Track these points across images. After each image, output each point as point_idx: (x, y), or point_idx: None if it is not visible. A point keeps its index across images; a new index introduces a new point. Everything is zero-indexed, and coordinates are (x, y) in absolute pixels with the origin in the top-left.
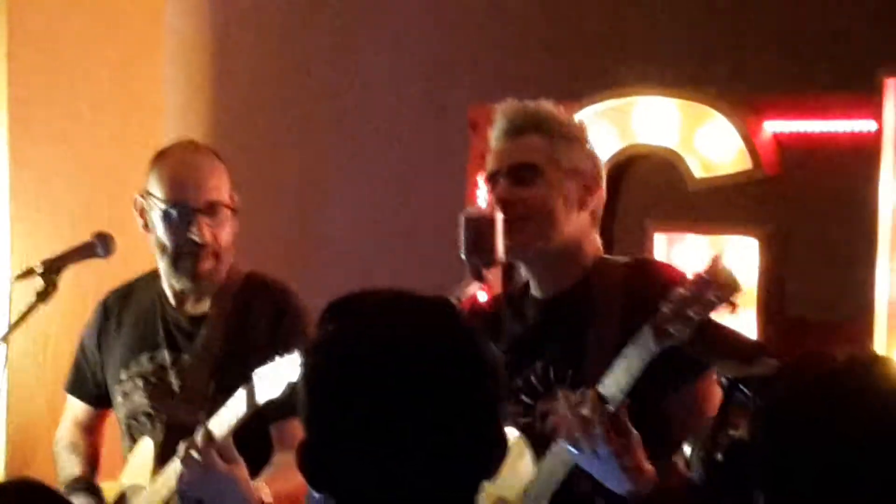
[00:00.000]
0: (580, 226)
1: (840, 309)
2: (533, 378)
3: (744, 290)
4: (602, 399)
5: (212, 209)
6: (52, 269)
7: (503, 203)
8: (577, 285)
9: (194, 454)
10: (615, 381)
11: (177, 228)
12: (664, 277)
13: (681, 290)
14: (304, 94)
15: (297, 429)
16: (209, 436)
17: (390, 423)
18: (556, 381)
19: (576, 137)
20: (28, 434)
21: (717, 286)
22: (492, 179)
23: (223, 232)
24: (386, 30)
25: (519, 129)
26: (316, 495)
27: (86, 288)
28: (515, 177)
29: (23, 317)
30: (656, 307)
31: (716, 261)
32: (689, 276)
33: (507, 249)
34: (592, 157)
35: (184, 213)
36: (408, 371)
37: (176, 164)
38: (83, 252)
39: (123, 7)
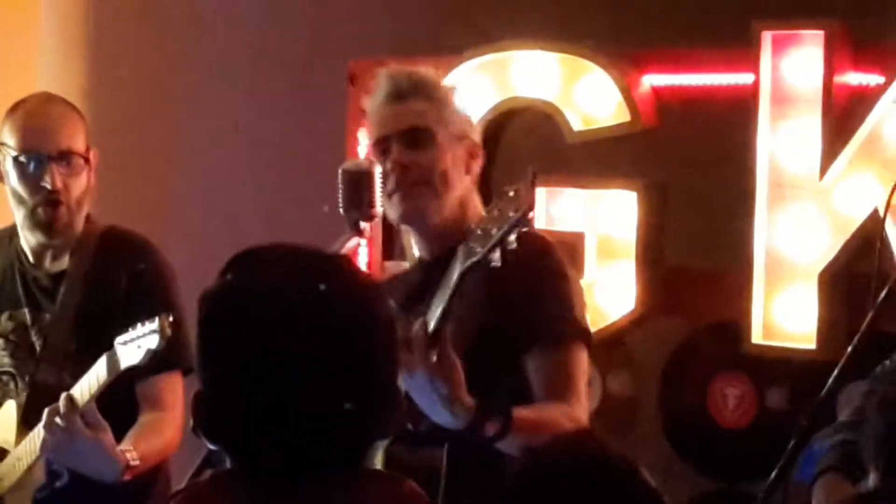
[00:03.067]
0: (466, 189)
1: (718, 260)
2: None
3: (533, 210)
4: (423, 324)
5: (65, 158)
6: None
7: (401, 167)
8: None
9: (58, 421)
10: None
11: (30, 177)
12: (539, 240)
13: (489, 207)
14: (177, 46)
15: (161, 386)
16: (72, 402)
17: (285, 375)
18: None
19: (454, 103)
20: None
21: (518, 203)
22: (381, 144)
23: (77, 182)
24: None
25: (404, 93)
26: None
27: None
28: (408, 141)
29: None
30: (531, 270)
31: (525, 179)
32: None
33: (406, 215)
34: (471, 122)
35: (36, 160)
36: (303, 322)
37: (29, 113)
38: None
39: None
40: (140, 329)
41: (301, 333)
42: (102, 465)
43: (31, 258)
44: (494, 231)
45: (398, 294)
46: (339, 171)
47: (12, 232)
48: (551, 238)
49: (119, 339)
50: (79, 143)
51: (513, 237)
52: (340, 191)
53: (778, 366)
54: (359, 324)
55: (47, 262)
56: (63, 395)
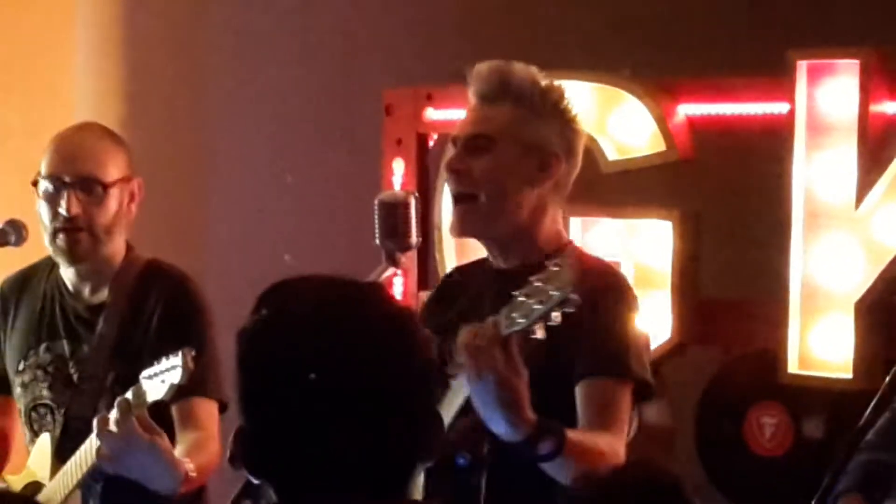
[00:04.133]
0: (533, 202)
1: (754, 289)
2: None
3: (575, 299)
4: (496, 326)
5: (86, 184)
6: None
7: (451, 171)
8: (536, 261)
9: (112, 427)
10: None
11: (49, 202)
12: (614, 282)
13: (535, 279)
14: (216, 79)
15: (197, 407)
16: (128, 406)
17: (325, 408)
18: None
19: (551, 108)
20: None
21: (561, 281)
22: (453, 143)
23: (100, 210)
24: (296, 13)
25: (492, 94)
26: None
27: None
28: (469, 146)
29: None
30: (591, 306)
31: (567, 256)
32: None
33: (457, 228)
34: (565, 129)
35: (56, 185)
36: (340, 354)
37: (60, 139)
38: None
39: None
40: (164, 363)
41: (338, 365)
42: (161, 472)
43: (70, 288)
44: (536, 306)
45: (468, 292)
46: (375, 202)
47: (52, 261)
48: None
49: (144, 374)
50: (106, 171)
51: (556, 315)
52: (376, 221)
53: (814, 395)
54: (396, 352)
55: (86, 294)
56: (118, 400)
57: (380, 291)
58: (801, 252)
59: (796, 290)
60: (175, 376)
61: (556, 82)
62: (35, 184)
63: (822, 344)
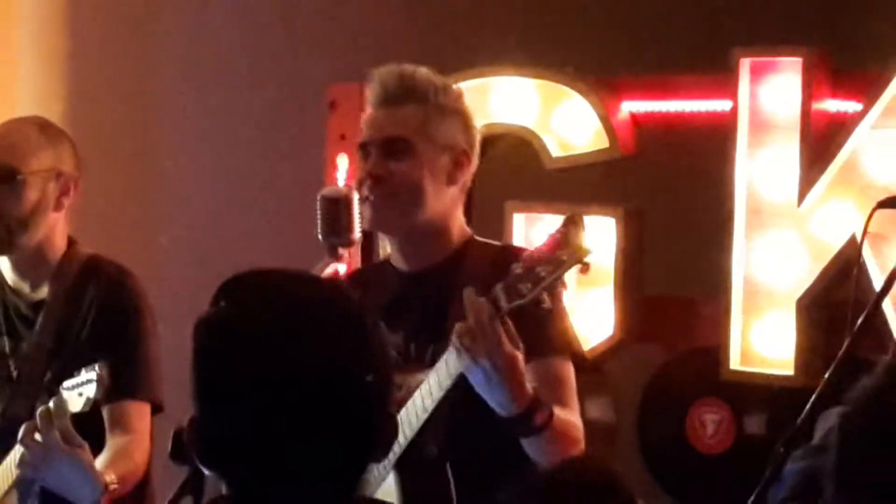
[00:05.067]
0: (448, 200)
1: (696, 286)
2: (393, 350)
3: (593, 252)
4: (495, 303)
5: (1, 174)
6: None
7: (372, 178)
8: (444, 262)
9: (35, 435)
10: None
11: None
12: None
13: (533, 251)
14: (157, 71)
15: (128, 410)
16: (49, 415)
17: (279, 401)
18: (414, 357)
19: (453, 108)
20: None
21: (570, 247)
22: (363, 149)
23: (15, 201)
24: (244, 5)
25: (395, 97)
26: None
27: None
28: (386, 150)
29: None
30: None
31: (571, 221)
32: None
33: (372, 224)
34: (468, 128)
35: None
36: (297, 349)
37: None
38: None
39: None
40: (82, 375)
41: (294, 359)
42: (81, 485)
43: (11, 284)
44: (544, 273)
45: (375, 298)
46: (318, 198)
47: None
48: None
49: (64, 385)
50: (25, 161)
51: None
52: (319, 217)
53: (756, 392)
54: (352, 348)
55: (27, 290)
56: (40, 410)
57: (337, 287)
58: (744, 249)
59: (738, 287)
60: (90, 390)
61: (451, 81)
62: None
63: (763, 341)
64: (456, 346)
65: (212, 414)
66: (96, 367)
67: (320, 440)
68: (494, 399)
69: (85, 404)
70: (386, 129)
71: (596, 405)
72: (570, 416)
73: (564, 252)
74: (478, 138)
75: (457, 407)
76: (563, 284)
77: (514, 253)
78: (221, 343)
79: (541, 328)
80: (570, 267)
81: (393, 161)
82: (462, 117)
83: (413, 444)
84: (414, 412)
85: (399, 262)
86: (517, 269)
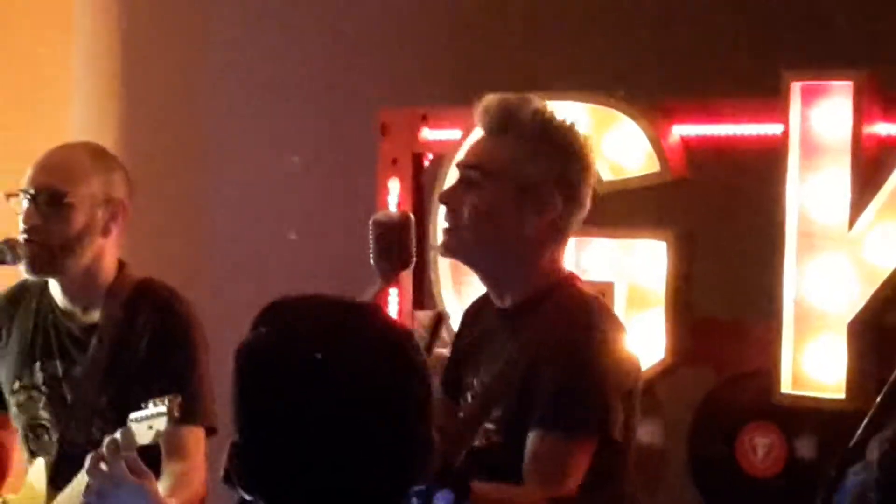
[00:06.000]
0: (525, 243)
1: (747, 309)
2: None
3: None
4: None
5: (45, 197)
6: None
7: (442, 202)
8: (524, 302)
9: (102, 465)
10: None
11: (21, 214)
12: (581, 311)
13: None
14: (208, 96)
15: (184, 436)
16: (116, 447)
17: (320, 426)
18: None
19: (555, 148)
20: None
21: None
22: (458, 167)
23: (61, 225)
24: (294, 31)
25: (494, 128)
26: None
27: None
28: (463, 177)
29: None
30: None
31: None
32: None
33: (442, 250)
34: (568, 170)
35: (24, 197)
36: (338, 374)
37: (39, 156)
38: None
39: (30, 8)
40: (151, 409)
41: (337, 385)
42: None
43: (61, 308)
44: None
45: (479, 326)
46: (371, 222)
47: (46, 283)
48: (600, 300)
49: (132, 416)
50: (73, 186)
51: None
52: (371, 241)
53: (807, 415)
54: (394, 374)
55: (78, 313)
56: (107, 440)
57: (379, 313)
58: (795, 272)
59: (789, 311)
60: (161, 423)
61: (569, 120)
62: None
63: (814, 364)
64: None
65: (252, 439)
66: (166, 401)
67: (360, 463)
68: None
69: (154, 437)
70: (474, 156)
71: (646, 429)
72: (520, 490)
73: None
74: (585, 181)
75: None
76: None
77: (563, 299)
78: (261, 369)
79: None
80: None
81: (465, 190)
82: (565, 158)
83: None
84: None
85: (496, 299)
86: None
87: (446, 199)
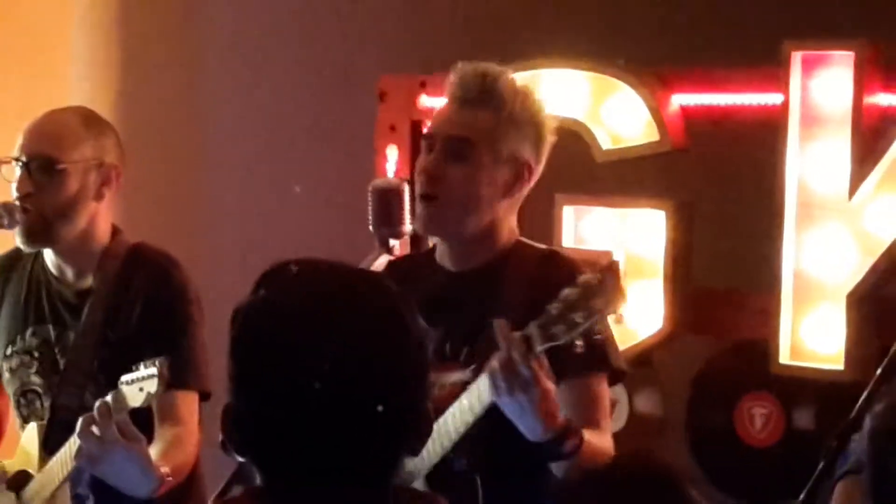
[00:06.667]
0: (501, 211)
1: (746, 279)
2: (445, 350)
3: (627, 303)
4: (528, 342)
5: (41, 164)
6: None
7: (427, 175)
8: (489, 263)
9: (93, 428)
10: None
11: (14, 182)
12: (572, 272)
13: (569, 292)
14: (205, 62)
15: (178, 400)
16: (108, 409)
17: (316, 391)
18: (450, 355)
19: (528, 119)
20: None
21: (606, 295)
22: (427, 139)
23: (54, 190)
24: (292, 3)
25: (469, 99)
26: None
27: None
28: (449, 149)
29: None
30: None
31: (609, 269)
32: (582, 276)
33: (423, 229)
34: (539, 140)
35: (16, 164)
36: (335, 342)
37: (32, 121)
38: None
39: None
40: (142, 371)
41: (332, 353)
42: (137, 478)
43: (55, 273)
44: (579, 319)
45: (415, 291)
46: (369, 189)
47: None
48: (581, 262)
49: (123, 379)
50: (63, 151)
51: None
52: (370, 208)
53: (805, 386)
54: (392, 343)
55: (71, 278)
56: (98, 402)
57: (378, 279)
58: (794, 243)
59: (788, 281)
60: (152, 385)
61: (535, 90)
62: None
63: (813, 335)
64: (492, 381)
65: (246, 402)
66: (157, 363)
67: (354, 431)
68: (526, 426)
69: (145, 400)
70: (454, 128)
71: (645, 398)
72: (601, 439)
73: (600, 301)
74: (548, 148)
75: (487, 423)
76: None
77: (557, 260)
78: (257, 330)
79: (572, 347)
80: (604, 317)
81: (453, 163)
82: (536, 129)
83: (443, 457)
84: (446, 431)
85: (445, 260)
86: (553, 308)
87: (433, 170)
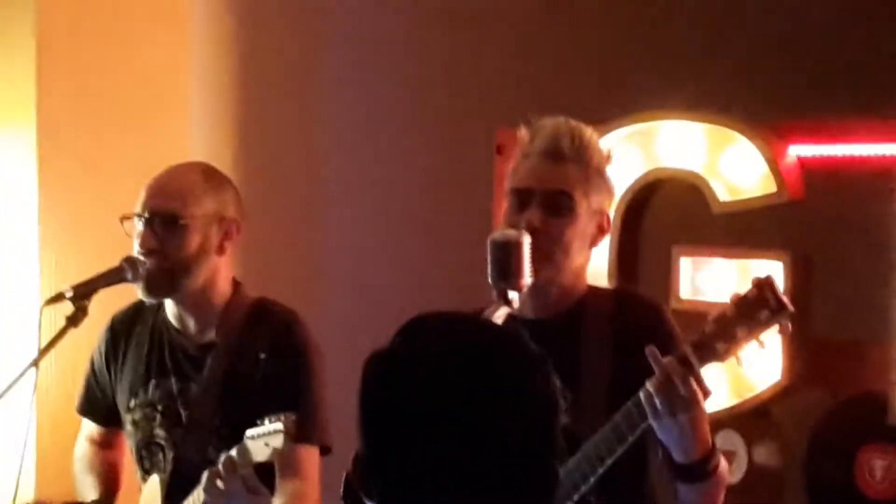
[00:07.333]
0: (585, 259)
1: (864, 330)
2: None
3: (793, 312)
4: (686, 362)
5: (164, 220)
6: (81, 294)
7: (533, 231)
8: (570, 311)
9: (218, 483)
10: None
11: (137, 238)
12: (652, 306)
13: (723, 309)
14: (323, 116)
15: (299, 455)
16: (233, 464)
17: (447, 444)
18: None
19: (605, 173)
20: (58, 462)
21: (769, 306)
22: (520, 195)
23: (178, 245)
24: (412, 52)
25: (562, 154)
26: None
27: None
28: (550, 204)
29: (53, 342)
30: (650, 334)
31: (765, 282)
32: (732, 297)
33: (538, 282)
34: (611, 192)
35: (139, 219)
36: (468, 397)
37: (150, 179)
38: (113, 276)
39: (147, 29)
40: (268, 426)
41: (465, 408)
42: None
43: (177, 325)
44: (741, 333)
45: None
46: (489, 242)
47: (161, 303)
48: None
49: (249, 433)
50: (186, 206)
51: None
52: (489, 261)
53: None
54: (525, 400)
55: (193, 332)
56: (223, 456)
57: (516, 336)
58: None
59: None
60: (278, 441)
61: (603, 144)
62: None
63: None
64: (650, 405)
65: (374, 451)
66: (282, 418)
67: (486, 486)
68: (682, 447)
69: (270, 455)
70: (553, 183)
71: (763, 450)
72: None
73: (763, 312)
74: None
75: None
76: (761, 343)
77: (629, 296)
78: (386, 379)
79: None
80: (769, 326)
81: (553, 216)
82: (609, 183)
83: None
84: (588, 466)
85: (524, 310)
86: (708, 327)
87: (538, 223)
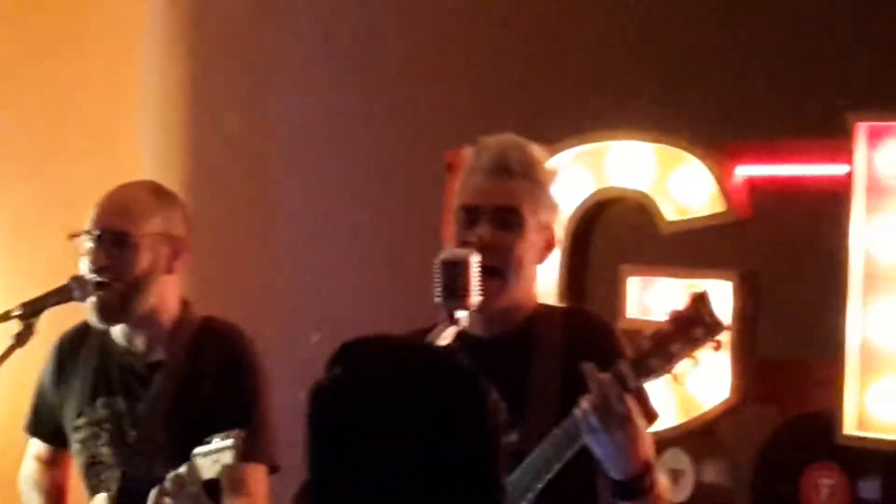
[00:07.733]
0: (533, 276)
1: (811, 350)
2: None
3: (726, 328)
4: (621, 379)
5: (114, 237)
6: (29, 313)
7: (484, 246)
8: (519, 328)
9: (166, 501)
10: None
11: (86, 255)
12: (601, 323)
13: (660, 326)
14: (273, 134)
15: (246, 473)
16: (181, 481)
17: (394, 469)
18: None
19: (550, 189)
20: (5, 481)
21: (704, 323)
22: (471, 212)
23: (129, 265)
24: (363, 71)
25: (509, 170)
26: None
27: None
28: (498, 220)
29: (0, 360)
30: (597, 351)
31: (700, 298)
32: (669, 313)
33: (484, 306)
34: (557, 209)
35: (88, 238)
36: (410, 420)
37: (104, 195)
38: (60, 295)
39: (99, 50)
40: (217, 443)
41: (408, 430)
42: None
43: (124, 344)
44: (675, 350)
45: None
46: (437, 261)
47: None
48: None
49: (197, 451)
50: (136, 224)
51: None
52: (438, 280)
53: (871, 457)
54: (468, 418)
55: (141, 350)
56: (172, 474)
57: (450, 356)
58: (860, 313)
59: (854, 351)
60: (227, 457)
61: (549, 161)
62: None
63: (879, 405)
64: (585, 421)
65: (322, 479)
66: (232, 435)
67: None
68: (617, 464)
69: (219, 472)
70: (501, 198)
71: (710, 468)
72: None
73: (698, 329)
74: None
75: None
76: (696, 360)
77: (579, 313)
78: (333, 412)
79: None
80: (704, 344)
81: (503, 232)
82: (554, 199)
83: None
84: (528, 479)
85: (474, 328)
86: (644, 343)
87: (490, 243)
